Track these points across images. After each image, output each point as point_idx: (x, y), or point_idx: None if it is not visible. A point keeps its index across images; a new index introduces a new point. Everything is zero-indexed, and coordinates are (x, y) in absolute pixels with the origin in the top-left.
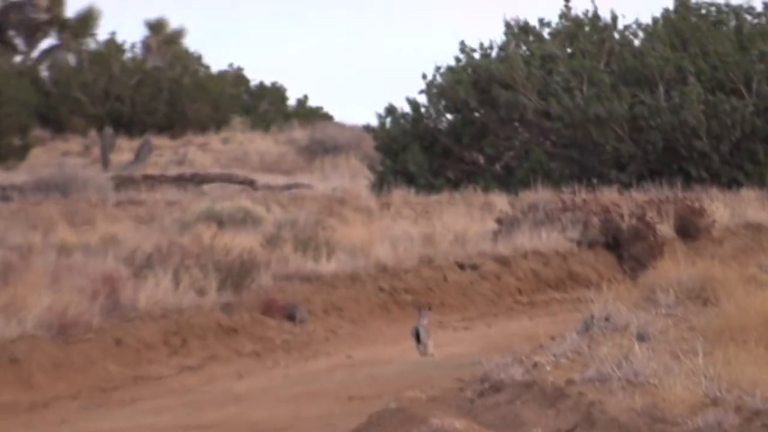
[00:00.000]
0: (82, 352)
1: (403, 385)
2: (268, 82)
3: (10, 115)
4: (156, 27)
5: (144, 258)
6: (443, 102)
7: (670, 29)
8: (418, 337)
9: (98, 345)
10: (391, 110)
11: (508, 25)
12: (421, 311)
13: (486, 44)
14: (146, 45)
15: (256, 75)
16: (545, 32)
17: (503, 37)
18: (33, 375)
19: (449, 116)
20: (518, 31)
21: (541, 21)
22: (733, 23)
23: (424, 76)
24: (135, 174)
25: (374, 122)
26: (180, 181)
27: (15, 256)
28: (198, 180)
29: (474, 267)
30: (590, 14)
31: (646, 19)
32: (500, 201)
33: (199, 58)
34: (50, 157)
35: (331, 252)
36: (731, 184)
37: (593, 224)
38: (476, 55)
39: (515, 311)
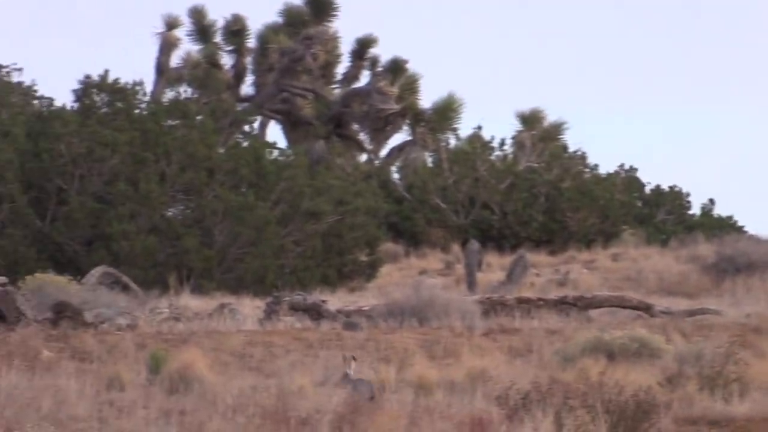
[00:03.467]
0: None
1: None
2: (665, 187)
3: (356, 226)
4: (530, 120)
5: (520, 398)
6: None
7: None
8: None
9: None
10: None
11: None
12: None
13: None
14: (518, 141)
15: (652, 178)
16: None
17: None
18: None
19: None
20: None
21: None
22: None
23: None
24: (507, 297)
25: None
26: (562, 305)
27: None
28: (583, 304)
29: None
30: None
31: None
32: None
33: (582, 158)
34: (404, 276)
35: (744, 390)
36: None
37: None
38: None
39: None
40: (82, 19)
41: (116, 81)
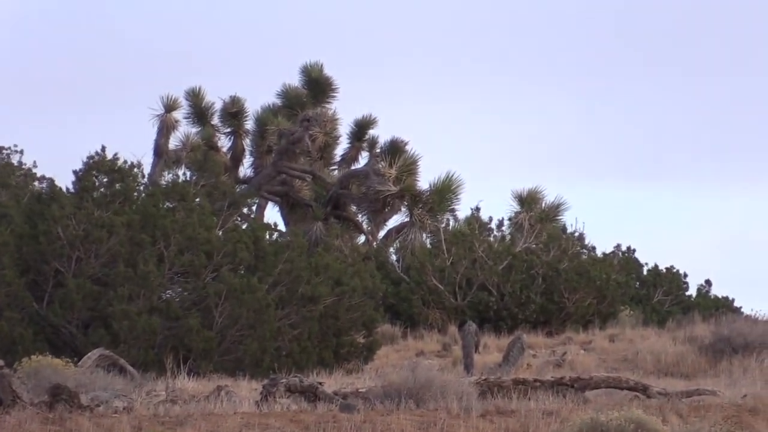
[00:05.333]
0: None
1: None
2: (663, 267)
3: (353, 307)
4: (527, 200)
5: None
6: None
7: None
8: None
9: None
10: None
11: None
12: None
13: None
14: (516, 222)
15: (649, 258)
16: None
17: None
18: None
19: None
20: None
21: None
22: None
23: None
24: (504, 378)
25: None
26: (558, 386)
27: None
28: (580, 385)
29: None
30: None
31: None
32: None
33: (580, 239)
34: (401, 357)
35: None
36: None
37: None
38: None
39: None
40: (83, 100)
41: (115, 158)
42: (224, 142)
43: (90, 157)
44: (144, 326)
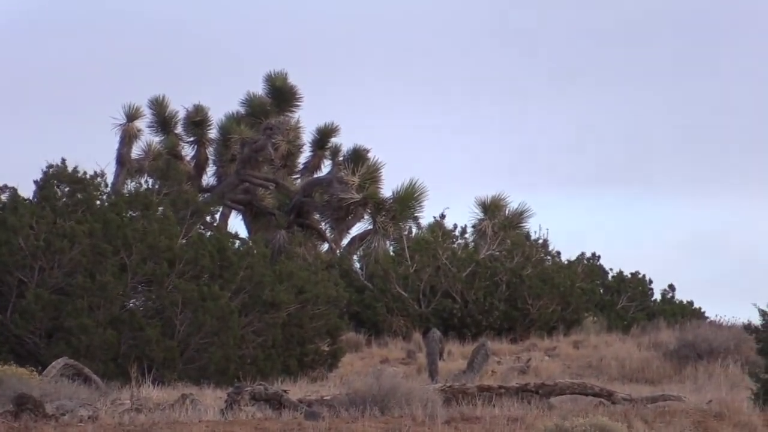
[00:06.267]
0: None
1: None
2: (627, 273)
3: (317, 315)
4: (491, 208)
5: None
6: None
7: None
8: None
9: None
10: None
11: None
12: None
13: None
14: (479, 230)
15: (614, 264)
16: None
17: None
18: None
19: None
20: None
21: None
22: None
23: None
24: (468, 385)
25: (756, 320)
26: (523, 392)
27: None
28: (545, 391)
29: None
30: None
31: None
32: None
33: (544, 245)
34: (366, 365)
35: None
36: None
37: None
38: None
39: None
40: (45, 108)
41: (76, 170)
42: (188, 151)
43: (50, 166)
44: (102, 340)
